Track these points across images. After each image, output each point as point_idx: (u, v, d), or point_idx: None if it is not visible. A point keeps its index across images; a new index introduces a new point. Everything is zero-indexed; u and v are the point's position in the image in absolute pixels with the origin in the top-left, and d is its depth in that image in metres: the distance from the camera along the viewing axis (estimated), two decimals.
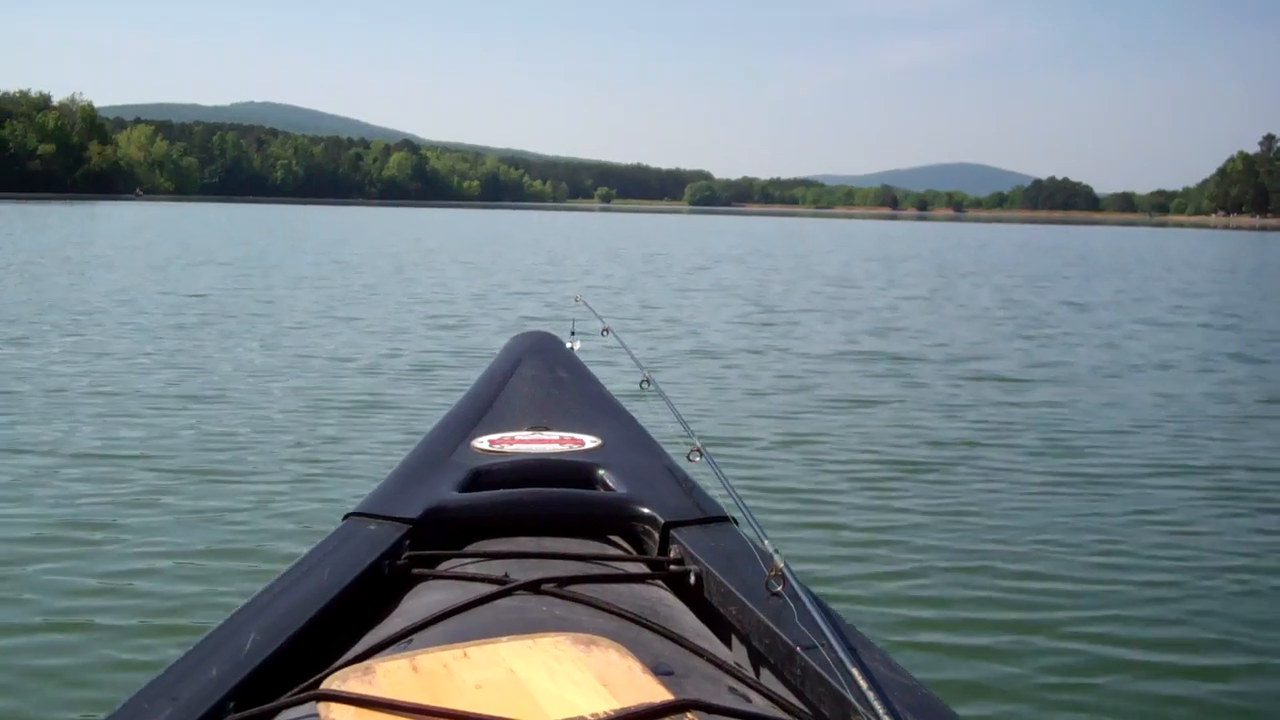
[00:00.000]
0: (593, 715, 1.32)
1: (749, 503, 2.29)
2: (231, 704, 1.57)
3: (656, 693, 1.39)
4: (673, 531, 2.30)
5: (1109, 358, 13.01)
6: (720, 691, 1.56)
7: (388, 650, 1.67)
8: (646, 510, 2.38)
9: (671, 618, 1.90)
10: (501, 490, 2.51)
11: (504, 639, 1.53)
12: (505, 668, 1.45)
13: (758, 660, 1.91)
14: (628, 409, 3.22)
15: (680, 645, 1.73)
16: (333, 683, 1.42)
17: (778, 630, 1.80)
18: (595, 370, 3.56)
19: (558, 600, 1.85)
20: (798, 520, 5.90)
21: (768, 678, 1.84)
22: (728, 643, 1.99)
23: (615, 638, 1.57)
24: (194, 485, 6.26)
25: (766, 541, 2.04)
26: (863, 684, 1.48)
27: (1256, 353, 13.93)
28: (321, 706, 1.37)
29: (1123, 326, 16.82)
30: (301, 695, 1.46)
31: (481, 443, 2.82)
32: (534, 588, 1.89)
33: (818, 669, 1.65)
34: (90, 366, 10.42)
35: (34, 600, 4.53)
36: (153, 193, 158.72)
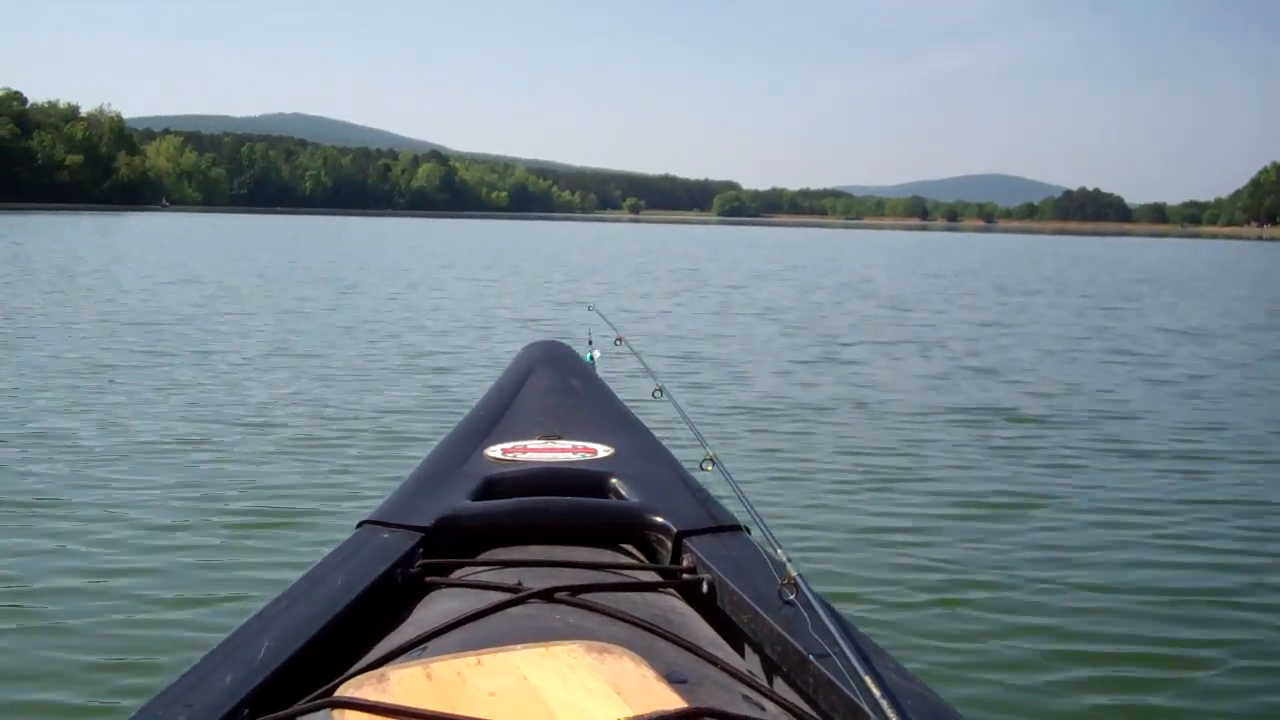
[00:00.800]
0: None
1: (762, 512, 2.27)
2: (246, 711, 1.57)
3: (670, 700, 1.39)
4: (685, 540, 2.29)
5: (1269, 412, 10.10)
6: (734, 699, 1.56)
7: (401, 658, 1.68)
8: (659, 519, 2.38)
9: (685, 626, 1.89)
10: (514, 499, 2.50)
11: (518, 647, 1.54)
12: (519, 675, 1.45)
13: (771, 668, 1.91)
14: (641, 419, 3.21)
15: (693, 653, 1.73)
16: (347, 690, 1.43)
17: (790, 639, 1.80)
18: (608, 379, 3.54)
19: (571, 608, 1.85)
20: (812, 531, 5.88)
21: (781, 686, 1.83)
22: (740, 651, 1.99)
23: (628, 646, 1.57)
24: (207, 493, 6.28)
25: (780, 550, 2.02)
26: (876, 692, 1.49)
27: None
28: (336, 714, 1.38)
29: (1259, 364, 13.53)
30: (316, 702, 1.47)
31: (494, 451, 2.82)
32: (547, 596, 1.88)
33: (831, 677, 1.65)
34: (90, 379, 10.30)
35: (43, 607, 4.53)
36: (181, 204, 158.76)
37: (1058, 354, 13.98)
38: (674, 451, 2.97)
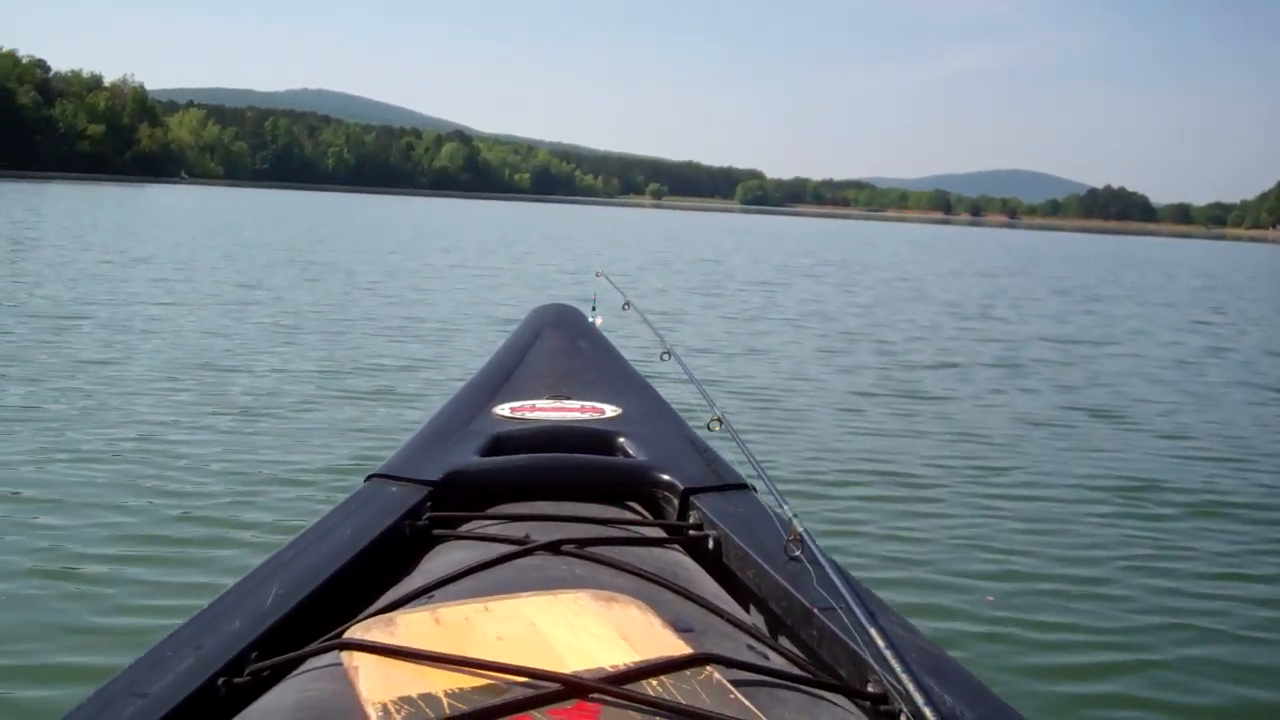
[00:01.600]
0: (612, 667, 1.33)
1: (770, 472, 2.29)
2: (254, 654, 1.60)
3: (676, 647, 1.41)
4: (692, 498, 2.31)
5: None
6: (739, 648, 1.57)
7: (410, 605, 1.68)
8: (666, 477, 2.40)
9: (691, 580, 1.89)
10: (522, 455, 2.51)
11: (525, 594, 1.56)
12: (526, 621, 1.47)
13: (775, 622, 1.92)
14: (648, 380, 3.23)
15: (699, 604, 1.73)
16: (355, 633, 1.43)
17: (795, 593, 1.82)
18: (616, 344, 3.54)
19: (578, 560, 1.85)
20: (818, 490, 6.01)
21: (785, 638, 1.85)
22: (746, 606, 1.99)
23: (635, 595, 1.58)
24: (218, 447, 6.40)
25: (785, 507, 2.03)
26: (880, 643, 1.52)
27: None
28: (344, 655, 1.39)
29: None
30: (324, 645, 1.49)
31: (502, 410, 2.83)
32: (554, 548, 1.88)
33: (835, 630, 1.68)
34: (113, 337, 10.56)
35: (54, 552, 4.61)
36: (202, 177, 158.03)
37: (1188, 390, 11.05)
38: (681, 413, 2.95)
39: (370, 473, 2.38)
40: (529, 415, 2.78)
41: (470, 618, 1.46)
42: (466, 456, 2.45)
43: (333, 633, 1.55)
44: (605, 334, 3.63)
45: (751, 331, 14.20)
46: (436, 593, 1.72)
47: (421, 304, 15.31)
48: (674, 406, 3.01)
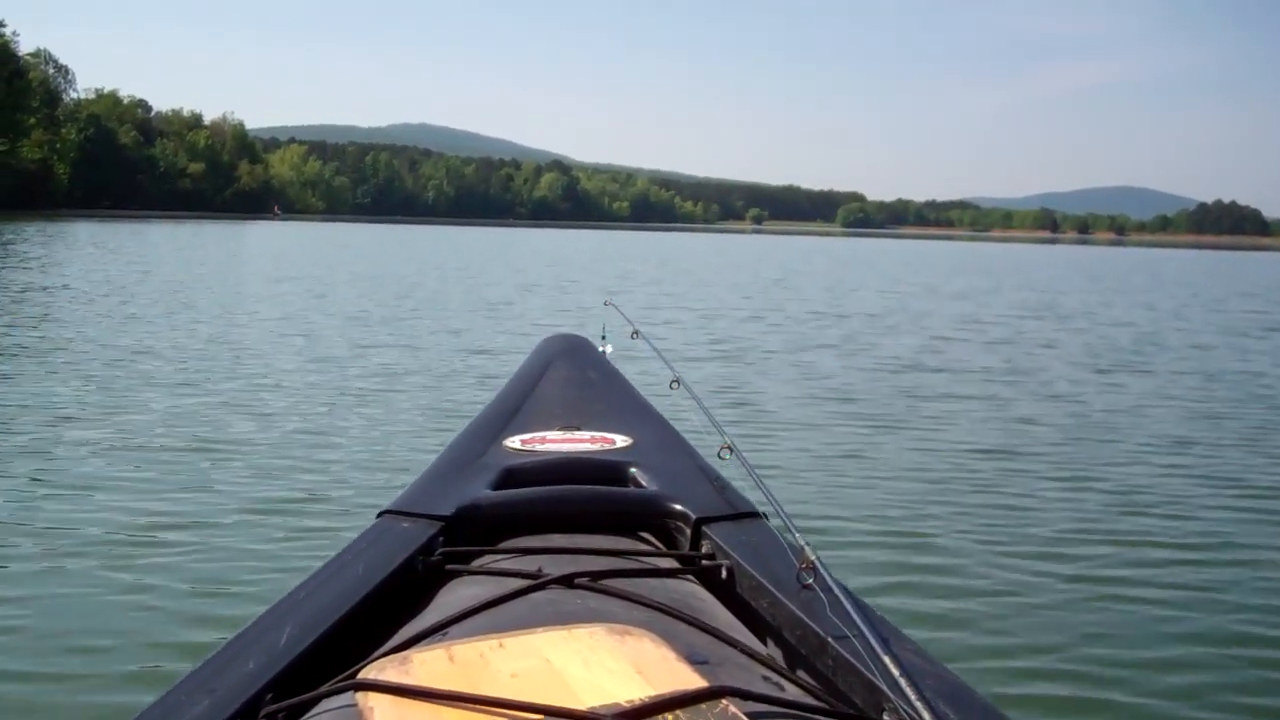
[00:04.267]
0: (628, 702, 1.34)
1: (780, 499, 2.28)
2: (269, 696, 1.60)
3: (691, 680, 1.42)
4: (704, 527, 2.32)
5: None
6: (754, 680, 1.58)
7: (424, 642, 1.69)
8: (678, 506, 2.41)
9: (704, 610, 1.90)
10: (534, 488, 2.52)
11: (539, 630, 1.56)
12: (541, 657, 1.47)
13: (790, 652, 1.92)
14: (658, 410, 3.23)
15: (713, 636, 1.74)
16: (369, 673, 1.44)
17: (809, 622, 1.82)
18: (625, 372, 3.57)
19: (591, 593, 1.86)
20: (830, 517, 5.97)
21: (800, 668, 1.85)
22: (760, 635, 1.99)
23: (649, 628, 1.58)
24: (231, 484, 6.39)
25: (798, 536, 2.05)
26: (895, 672, 1.51)
27: None
28: (359, 696, 1.40)
29: None
30: (339, 685, 1.50)
31: (513, 442, 2.84)
32: (567, 581, 1.89)
33: (850, 659, 1.68)
34: (131, 368, 10.72)
35: (65, 596, 4.59)
36: (304, 212, 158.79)
37: None
38: (691, 442, 2.93)
39: (382, 509, 2.37)
40: (540, 447, 2.78)
41: (485, 655, 1.46)
42: (478, 490, 2.45)
43: (347, 673, 1.55)
44: (614, 362, 3.62)
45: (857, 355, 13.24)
46: (451, 629, 1.72)
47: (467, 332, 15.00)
48: (685, 435, 2.98)
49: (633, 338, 4.39)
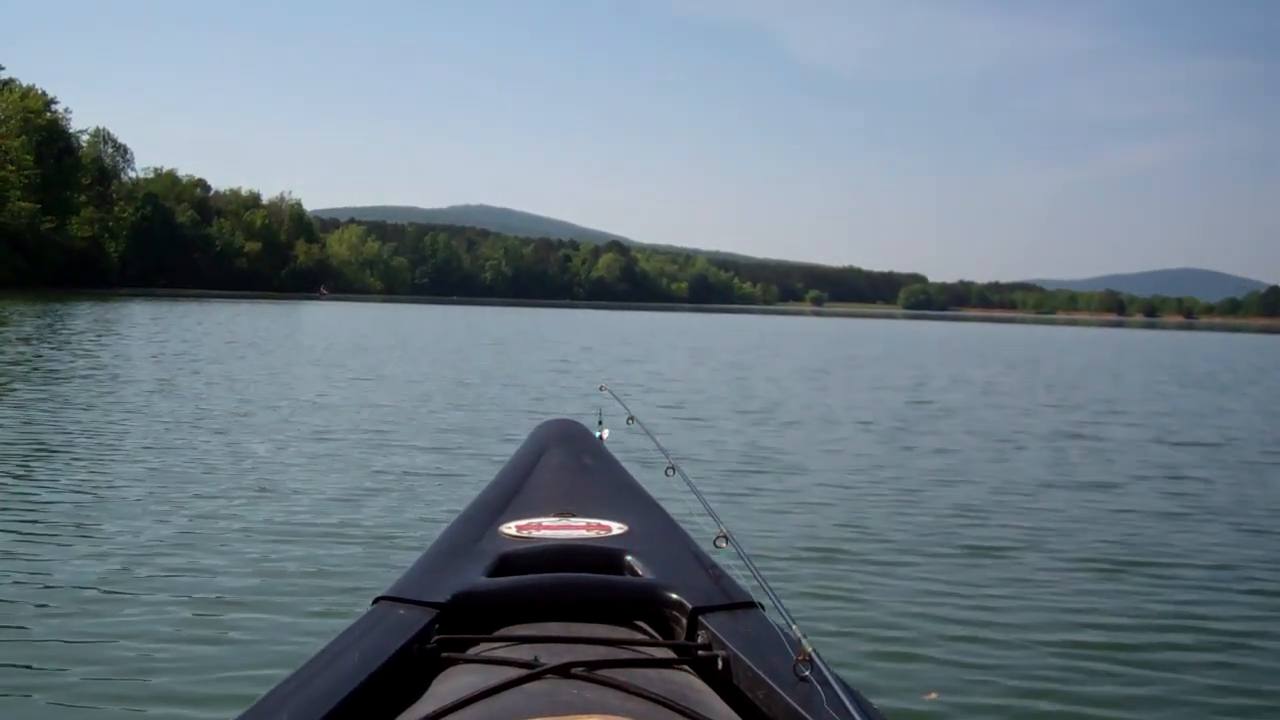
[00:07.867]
0: None
1: (776, 589, 2.28)
2: None
3: None
4: (700, 617, 2.30)
5: None
6: None
7: None
8: (674, 596, 2.39)
9: (700, 703, 1.90)
10: (529, 575, 2.50)
11: None
12: None
13: None
14: (654, 497, 3.23)
15: None
16: None
17: (806, 714, 1.82)
18: (620, 458, 3.55)
19: (587, 684, 1.87)
20: (828, 608, 5.86)
21: None
22: None
23: None
24: (224, 569, 6.28)
25: (794, 627, 2.04)
26: None
27: None
28: None
29: None
30: None
31: (509, 528, 2.84)
32: (563, 671, 1.89)
33: None
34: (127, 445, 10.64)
35: (50, 678, 4.54)
36: (364, 292, 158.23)
37: None
38: (687, 529, 2.94)
39: (377, 595, 2.33)
40: (535, 534, 2.76)
41: None
42: (474, 577, 2.43)
43: None
44: (609, 447, 3.61)
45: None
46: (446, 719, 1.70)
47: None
48: (679, 521, 2.99)
49: (628, 424, 4.36)
